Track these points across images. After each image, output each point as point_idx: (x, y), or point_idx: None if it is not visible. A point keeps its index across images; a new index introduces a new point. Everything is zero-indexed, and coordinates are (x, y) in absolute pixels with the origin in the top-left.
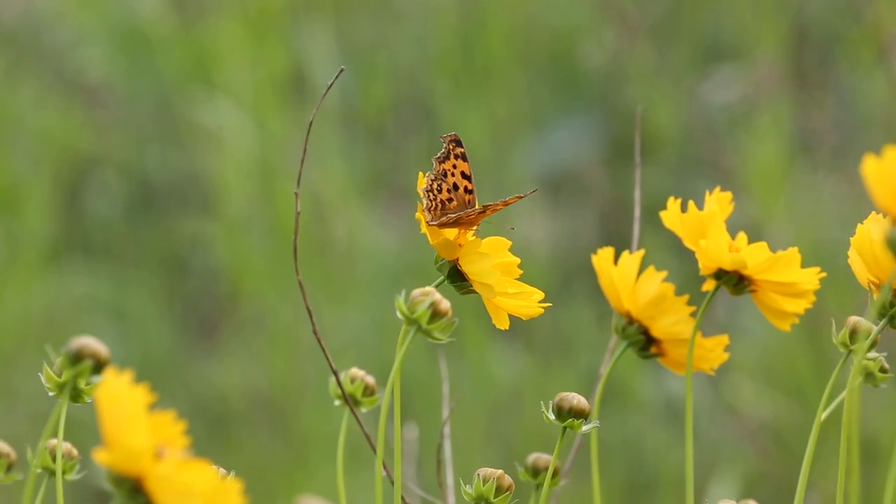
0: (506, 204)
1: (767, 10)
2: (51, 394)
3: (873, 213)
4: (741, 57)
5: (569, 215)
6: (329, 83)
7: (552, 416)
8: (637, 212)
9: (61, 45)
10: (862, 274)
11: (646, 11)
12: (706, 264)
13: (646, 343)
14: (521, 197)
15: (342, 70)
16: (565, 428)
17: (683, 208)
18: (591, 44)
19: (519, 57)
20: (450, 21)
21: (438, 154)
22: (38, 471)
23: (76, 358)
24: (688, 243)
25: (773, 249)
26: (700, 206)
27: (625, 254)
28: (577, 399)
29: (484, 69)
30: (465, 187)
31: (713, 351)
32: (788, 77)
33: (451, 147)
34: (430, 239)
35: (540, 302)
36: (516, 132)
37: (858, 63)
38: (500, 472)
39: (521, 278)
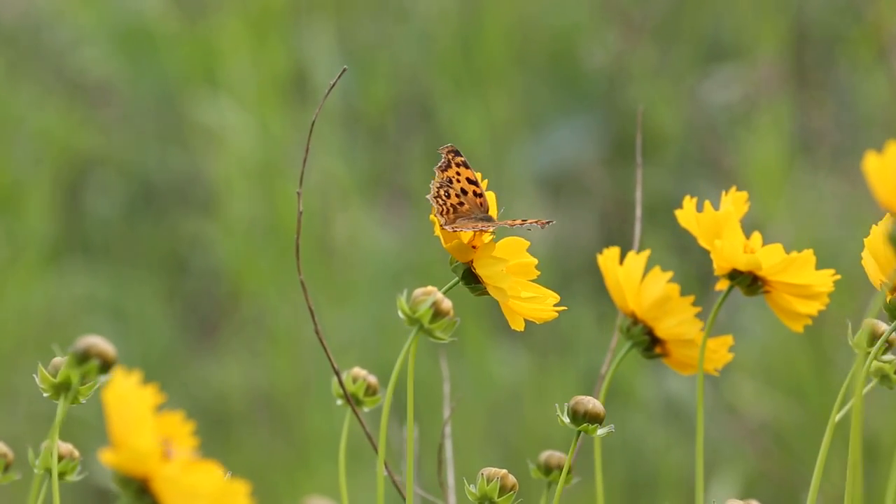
0: (523, 223)
1: (768, 10)
2: (45, 395)
3: (888, 214)
4: (742, 57)
5: (569, 215)
6: (331, 83)
7: (567, 420)
8: (639, 212)
9: (62, 45)
10: (875, 275)
11: (647, 11)
12: (721, 265)
13: (650, 343)
14: (541, 224)
15: (345, 70)
16: (579, 432)
17: (704, 208)
18: (592, 44)
19: (519, 57)
20: (450, 21)
21: (439, 164)
22: (40, 472)
23: (83, 357)
24: (703, 243)
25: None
26: (703, 206)
27: (630, 254)
28: (592, 403)
29: (484, 69)
30: (474, 191)
31: (717, 351)
32: (789, 77)
33: (450, 157)
34: (443, 241)
35: (555, 305)
36: (516, 132)
37: (859, 63)
38: (504, 471)
39: None
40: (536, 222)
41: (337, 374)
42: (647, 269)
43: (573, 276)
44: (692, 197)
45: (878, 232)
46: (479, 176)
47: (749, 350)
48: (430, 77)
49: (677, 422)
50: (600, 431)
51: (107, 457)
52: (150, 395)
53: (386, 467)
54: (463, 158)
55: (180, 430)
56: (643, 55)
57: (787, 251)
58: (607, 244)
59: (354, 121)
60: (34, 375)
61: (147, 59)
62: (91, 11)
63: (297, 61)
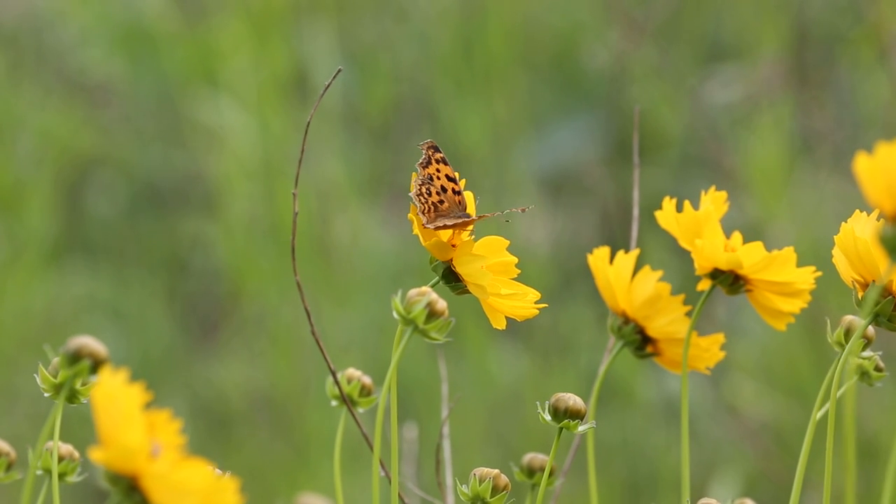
0: (500, 214)
1: (769, 9)
2: (46, 395)
3: (856, 211)
4: (743, 57)
5: (570, 215)
6: (327, 83)
7: (548, 417)
8: (636, 212)
9: (63, 45)
10: (846, 273)
11: (648, 12)
12: (702, 264)
13: (641, 342)
14: (521, 210)
15: (339, 70)
16: (561, 428)
17: (683, 208)
18: (594, 44)
19: (520, 57)
20: (452, 21)
21: (420, 160)
22: (40, 472)
23: (74, 357)
24: (683, 243)
25: (775, 249)
26: (689, 205)
27: (620, 253)
28: (572, 399)
29: (485, 69)
30: (452, 189)
31: (709, 350)
32: (790, 77)
33: (430, 154)
34: (421, 240)
35: (537, 302)
36: (517, 132)
37: (860, 63)
38: (497, 471)
39: (521, 278)
40: (514, 210)
41: (333, 374)
42: (643, 268)
43: (574, 276)
44: (694, 198)
45: (848, 229)
46: (457, 175)
47: (749, 350)
48: (432, 77)
49: (677, 422)
50: (581, 428)
51: (95, 454)
52: (138, 393)
53: (382, 467)
54: (442, 155)
55: (168, 428)
56: (644, 55)
57: None
58: (608, 244)
59: (355, 121)
60: (35, 375)
61: (148, 60)
62: (92, 12)
63: (298, 61)
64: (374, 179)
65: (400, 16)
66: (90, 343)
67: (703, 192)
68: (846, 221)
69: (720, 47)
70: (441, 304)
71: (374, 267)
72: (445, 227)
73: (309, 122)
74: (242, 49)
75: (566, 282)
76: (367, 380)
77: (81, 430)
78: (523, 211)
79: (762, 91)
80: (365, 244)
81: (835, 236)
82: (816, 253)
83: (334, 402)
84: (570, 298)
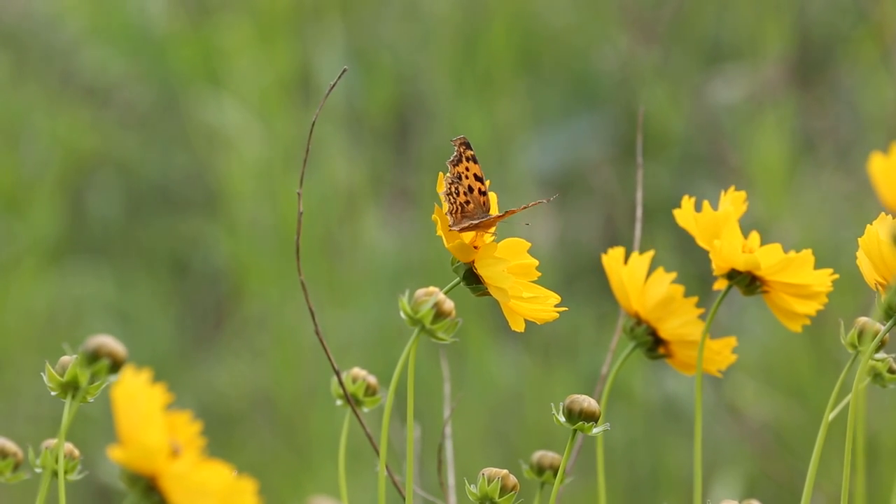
0: (525, 208)
1: (771, 10)
2: (53, 394)
3: (882, 213)
4: (746, 57)
5: (573, 215)
6: (331, 84)
7: (562, 419)
8: (639, 212)
9: (67, 46)
10: (870, 275)
11: (655, 13)
12: (719, 264)
13: (653, 344)
14: (542, 202)
15: (345, 71)
16: (575, 430)
17: (702, 208)
18: (598, 44)
19: (524, 57)
20: (454, 22)
21: (451, 157)
22: (39, 470)
23: (93, 357)
24: (701, 242)
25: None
26: (708, 205)
27: (634, 254)
28: (587, 402)
29: (489, 70)
30: (479, 189)
31: (721, 353)
32: (793, 77)
33: (461, 150)
34: (445, 242)
35: (556, 306)
36: (521, 133)
37: (862, 63)
38: (505, 471)
39: None
40: (539, 202)
41: (337, 374)
42: (651, 269)
43: (575, 276)
44: (697, 197)
45: (872, 231)
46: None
47: (750, 350)
48: (435, 78)
49: (678, 422)
50: (595, 430)
51: (115, 453)
52: (158, 394)
53: (386, 468)
54: (472, 152)
55: (187, 430)
56: (647, 55)
57: (791, 250)
58: (611, 244)
59: (358, 122)
60: (42, 374)
61: (152, 60)
62: (97, 12)
63: (302, 62)
64: (376, 180)
65: (403, 17)
66: (109, 343)
67: (722, 192)
68: (850, 221)
69: (723, 47)
70: (448, 305)
71: (375, 267)
72: (471, 227)
73: (314, 123)
74: (246, 50)
75: (568, 282)
76: (372, 379)
77: (81, 430)
78: (548, 201)
79: (765, 91)
80: (367, 244)
81: (859, 238)
82: (819, 252)
83: (339, 402)
84: (571, 299)
